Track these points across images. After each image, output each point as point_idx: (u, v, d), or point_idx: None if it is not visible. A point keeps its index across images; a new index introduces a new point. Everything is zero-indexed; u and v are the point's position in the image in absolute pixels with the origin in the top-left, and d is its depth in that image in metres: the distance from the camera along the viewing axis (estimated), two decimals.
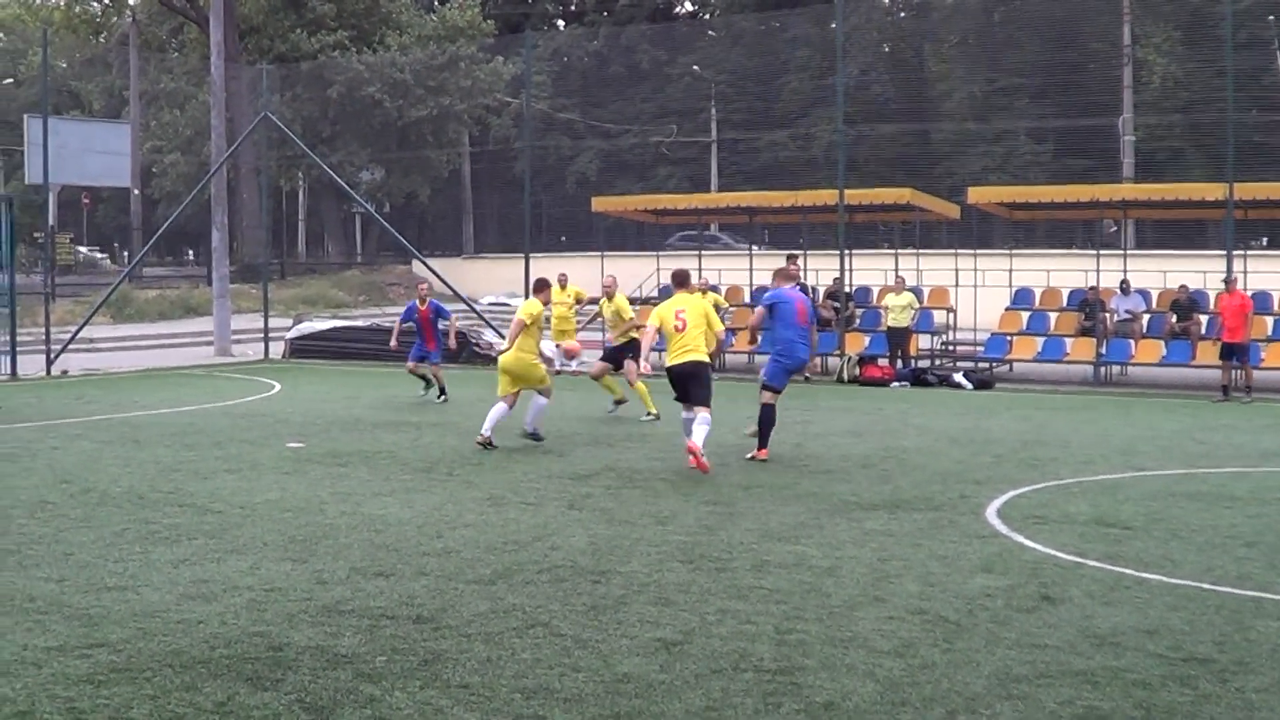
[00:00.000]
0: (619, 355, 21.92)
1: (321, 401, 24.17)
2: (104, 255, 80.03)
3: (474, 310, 38.56)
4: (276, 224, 68.73)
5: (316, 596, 9.31)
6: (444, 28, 65.73)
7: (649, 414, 20.90)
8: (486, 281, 53.16)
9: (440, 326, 24.70)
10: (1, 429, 19.97)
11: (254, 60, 59.47)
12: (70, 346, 33.33)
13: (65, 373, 31.34)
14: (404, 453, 17.06)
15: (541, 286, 18.60)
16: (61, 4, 72.11)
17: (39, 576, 9.97)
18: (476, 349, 33.49)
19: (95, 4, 73.16)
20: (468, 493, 13.81)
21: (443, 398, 24.26)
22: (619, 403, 21.92)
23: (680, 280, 17.05)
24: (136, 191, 67.36)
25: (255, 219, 56.31)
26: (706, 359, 16.36)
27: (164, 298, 51.38)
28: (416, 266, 53.77)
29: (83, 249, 73.49)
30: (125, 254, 76.50)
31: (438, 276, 38.37)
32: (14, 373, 30.33)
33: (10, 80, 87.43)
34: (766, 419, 16.59)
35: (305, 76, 61.42)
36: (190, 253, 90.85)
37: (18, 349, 31.06)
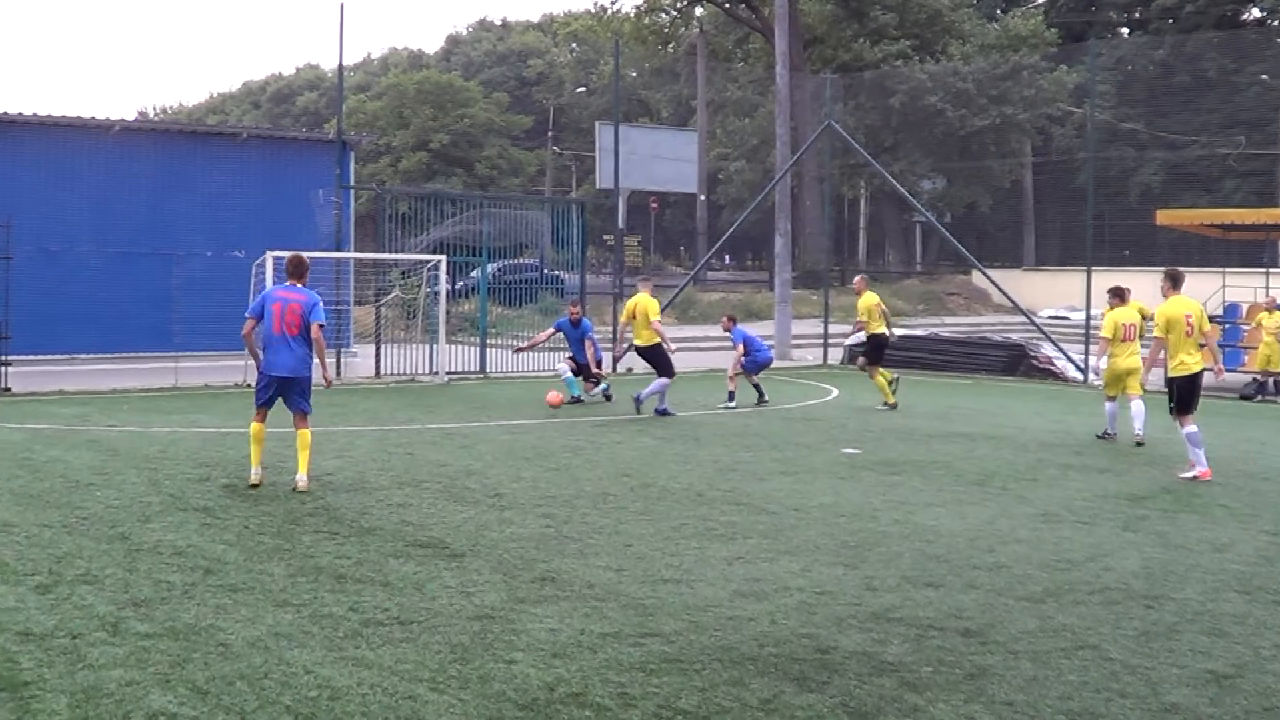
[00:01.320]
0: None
1: (878, 410, 24.23)
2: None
3: (1033, 323, 37.86)
4: (838, 231, 69.43)
5: (866, 602, 9.31)
6: (1006, 36, 64.93)
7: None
8: (1046, 294, 52.20)
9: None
10: (568, 422, 20.93)
11: (817, 69, 60.35)
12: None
13: (630, 370, 32.59)
14: (958, 464, 16.89)
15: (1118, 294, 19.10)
16: (631, 16, 75.01)
17: (598, 565, 10.37)
18: (1035, 363, 32.86)
19: (664, 15, 75.78)
20: (1021, 508, 13.54)
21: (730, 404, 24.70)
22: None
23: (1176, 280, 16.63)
24: (702, 197, 69.48)
25: (817, 226, 57.14)
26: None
27: (727, 301, 52.74)
28: (976, 277, 53.34)
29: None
30: (688, 257, 78.98)
31: (997, 287, 37.91)
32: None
33: (583, 89, 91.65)
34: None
35: (868, 86, 61.83)
36: (752, 257, 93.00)
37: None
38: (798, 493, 14.18)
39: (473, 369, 30.25)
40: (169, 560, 10.28)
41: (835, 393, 27.61)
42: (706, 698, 7.18)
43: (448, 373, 29.22)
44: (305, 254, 15.19)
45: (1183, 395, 16.02)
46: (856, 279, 27.45)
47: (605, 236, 65.20)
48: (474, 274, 34.82)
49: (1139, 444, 18.94)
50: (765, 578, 10.00)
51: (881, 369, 24.98)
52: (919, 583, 9.95)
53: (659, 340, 22.75)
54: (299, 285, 14.21)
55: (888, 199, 68.68)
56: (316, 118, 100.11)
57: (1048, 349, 34.16)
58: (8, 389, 25.00)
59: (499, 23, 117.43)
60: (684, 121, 76.91)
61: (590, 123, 74.86)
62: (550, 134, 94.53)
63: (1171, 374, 16.17)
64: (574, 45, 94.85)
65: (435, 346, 30.14)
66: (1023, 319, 37.72)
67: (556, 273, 38.96)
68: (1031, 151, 70.18)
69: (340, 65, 33.96)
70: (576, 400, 24.50)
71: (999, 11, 71.27)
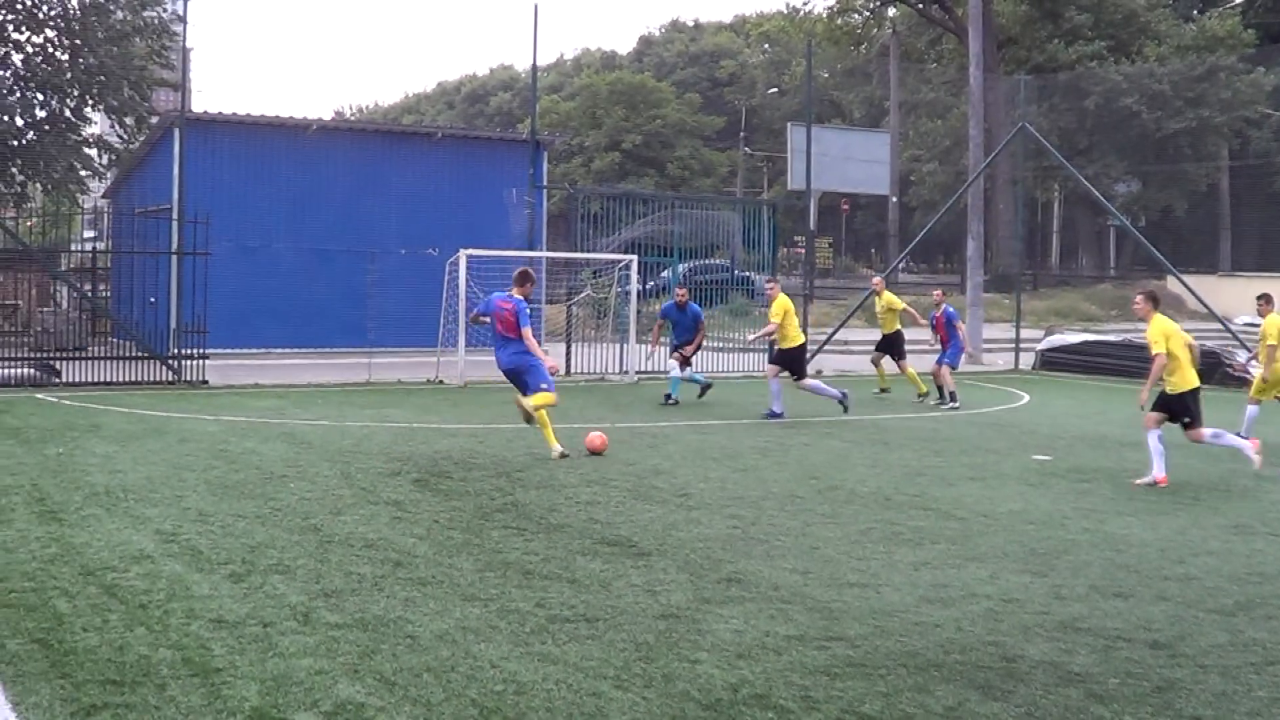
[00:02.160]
0: None
1: (1069, 416, 23.89)
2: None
3: (1228, 329, 36.95)
4: (1030, 235, 68.49)
5: (1053, 611, 9.20)
6: (1203, 37, 63.45)
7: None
8: (1241, 301, 50.89)
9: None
10: (756, 424, 20.94)
11: (1011, 70, 59.57)
12: (826, 347, 34.56)
13: (820, 372, 32.49)
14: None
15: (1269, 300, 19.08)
16: (824, 16, 74.75)
17: (785, 567, 10.38)
18: (1230, 370, 32.07)
19: (856, 16, 75.42)
20: (1213, 519, 13.27)
21: (951, 404, 24.66)
22: None
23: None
24: (894, 199, 69.01)
25: (1009, 229, 56.37)
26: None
27: (918, 304, 52.35)
28: (1171, 282, 52.26)
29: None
30: (879, 259, 78.50)
31: (1192, 293, 37.13)
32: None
33: (775, 90, 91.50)
34: None
35: (1062, 87, 60.88)
36: (943, 260, 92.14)
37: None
38: (986, 499, 14.04)
39: (661, 369, 30.38)
40: (360, 552, 10.50)
41: (1026, 398, 27.25)
42: (890, 703, 7.16)
43: (637, 372, 29.38)
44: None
45: None
46: (875, 279, 29.19)
47: (796, 238, 65.05)
48: (664, 274, 34.97)
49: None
50: (952, 584, 9.94)
51: (911, 370, 26.54)
52: (1107, 592, 9.81)
53: (803, 342, 23.42)
54: (514, 294, 16.48)
55: (1081, 202, 67.52)
56: (510, 118, 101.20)
57: (1243, 356, 33.34)
58: (205, 382, 25.66)
59: (691, 24, 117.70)
60: (876, 123, 76.43)
61: (782, 124, 74.60)
62: (742, 135, 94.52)
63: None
64: (766, 46, 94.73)
65: (625, 345, 30.34)
66: (1218, 325, 36.84)
67: (746, 274, 38.97)
68: (1229, 155, 68.51)
69: (534, 66, 34.30)
70: (671, 401, 24.33)
71: (1195, 12, 69.64)
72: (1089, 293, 59.07)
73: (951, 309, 26.14)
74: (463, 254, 27.61)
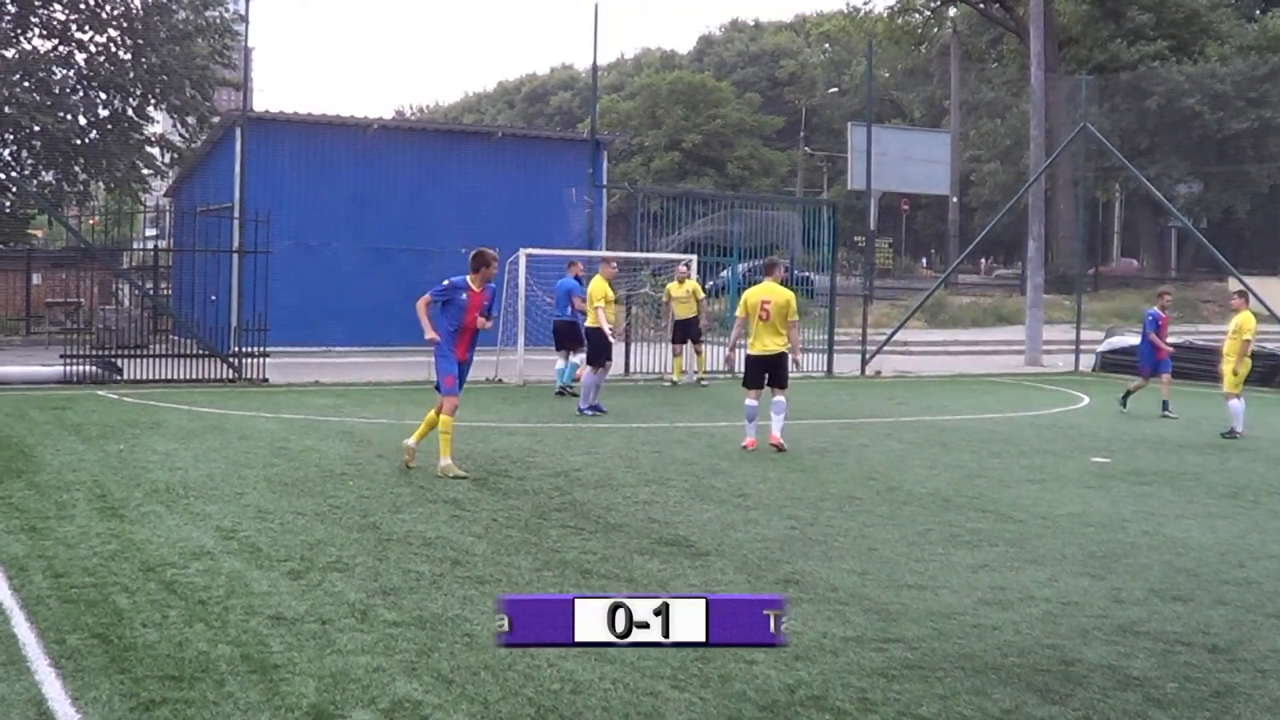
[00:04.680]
0: None
1: (1128, 418, 23.73)
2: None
3: None
4: (1091, 236, 67.95)
5: (1111, 615, 9.15)
6: (1265, 37, 62.92)
7: None
8: None
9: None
10: (814, 424, 20.90)
11: (1072, 70, 59.19)
12: (885, 348, 34.49)
13: (879, 373, 32.42)
14: (1210, 475, 16.46)
15: None
16: (884, 16, 74.54)
17: (843, 568, 10.37)
18: None
19: (917, 15, 75.18)
20: (1273, 522, 13.17)
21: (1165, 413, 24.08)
22: None
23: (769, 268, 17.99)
24: (954, 199, 68.71)
25: (1070, 230, 56.06)
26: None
27: (977, 305, 52.14)
28: (1233, 284, 51.81)
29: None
30: (936, 260, 78.15)
31: (1254, 294, 36.81)
32: (830, 370, 31.79)
33: (835, 90, 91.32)
34: None
35: (1123, 87, 60.48)
36: (1004, 260, 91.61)
37: (835, 348, 32.54)
38: (1045, 501, 13.97)
39: (721, 368, 30.34)
40: (418, 550, 10.56)
41: (1086, 400, 27.10)
42: (947, 705, 7.15)
43: (695, 372, 29.39)
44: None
45: None
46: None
47: (856, 238, 64.76)
48: (724, 274, 34.94)
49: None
50: (1010, 586, 9.90)
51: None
52: (1166, 596, 9.74)
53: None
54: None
55: (1142, 203, 67.07)
56: (570, 117, 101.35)
57: None
58: (265, 380, 25.84)
59: (751, 23, 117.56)
60: (936, 122, 76.18)
61: (842, 123, 74.50)
62: (802, 134, 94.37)
63: None
64: (826, 46, 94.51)
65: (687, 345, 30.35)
66: (1279, 327, 36.56)
67: (806, 274, 38.89)
68: None
69: (594, 65, 34.35)
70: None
71: (1258, 12, 69.08)
72: (1150, 294, 58.58)
73: (1154, 311, 25.16)
74: (522, 253, 27.68)
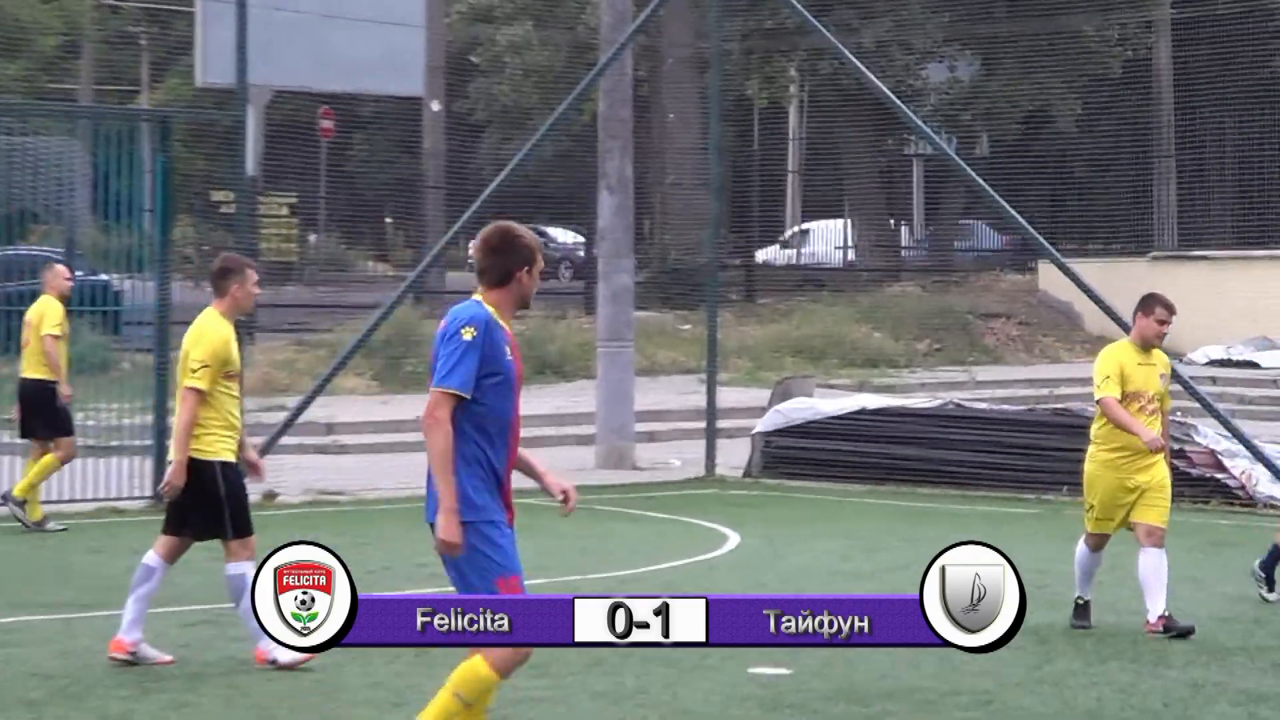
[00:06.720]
0: None
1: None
2: None
3: None
4: (741, 182, 41.65)
5: None
6: None
7: None
8: None
9: None
10: None
11: None
12: (288, 438, 20.76)
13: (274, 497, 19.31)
14: None
15: None
16: None
17: None
18: None
19: None
20: None
21: None
22: None
23: None
24: (437, 105, 61.30)
25: (698, 169, 36.54)
26: None
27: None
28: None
29: None
30: None
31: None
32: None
33: None
34: None
35: None
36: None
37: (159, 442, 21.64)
38: None
39: None
40: None
41: (734, 539, 14.48)
42: None
43: None
44: None
45: None
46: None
47: (216, 196, 35.40)
48: None
49: None
50: None
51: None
52: None
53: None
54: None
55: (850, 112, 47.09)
56: None
57: None
58: None
59: None
60: None
61: None
62: None
63: None
64: None
65: None
66: None
67: (104, 276, 19.74)
68: None
69: None
70: None
71: None
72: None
73: None
74: None
